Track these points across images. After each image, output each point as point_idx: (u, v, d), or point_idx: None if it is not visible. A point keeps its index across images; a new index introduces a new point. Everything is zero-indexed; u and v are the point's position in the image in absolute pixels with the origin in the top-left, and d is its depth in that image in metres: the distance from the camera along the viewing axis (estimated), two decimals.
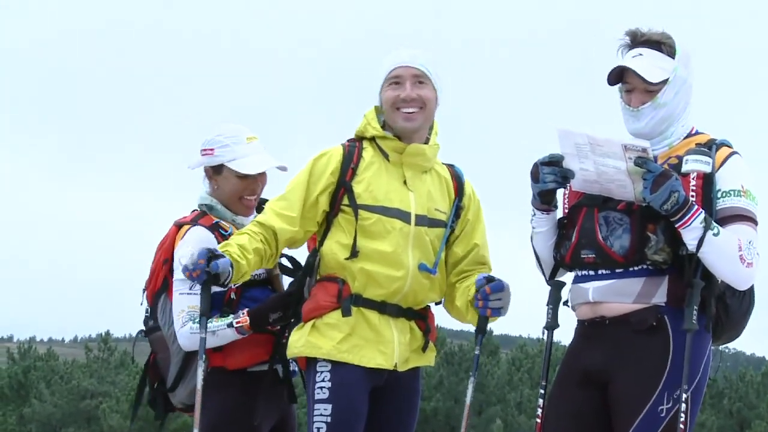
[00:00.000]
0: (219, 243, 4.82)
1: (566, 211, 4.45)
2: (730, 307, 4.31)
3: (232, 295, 4.88)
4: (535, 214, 4.44)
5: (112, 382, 47.38)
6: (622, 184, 4.18)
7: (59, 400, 45.86)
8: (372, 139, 4.68)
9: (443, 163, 4.81)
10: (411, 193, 4.61)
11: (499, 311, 4.54)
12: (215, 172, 5.04)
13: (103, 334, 52.59)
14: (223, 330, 4.77)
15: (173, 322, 4.91)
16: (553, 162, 4.29)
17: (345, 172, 4.58)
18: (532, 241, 4.50)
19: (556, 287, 4.46)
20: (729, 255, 4.12)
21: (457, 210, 4.73)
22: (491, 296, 4.51)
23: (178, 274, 4.85)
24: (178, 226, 5.00)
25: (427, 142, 4.68)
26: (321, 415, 4.47)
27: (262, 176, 5.04)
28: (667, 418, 4.17)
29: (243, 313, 4.78)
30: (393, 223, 4.54)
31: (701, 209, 4.13)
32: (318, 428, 4.47)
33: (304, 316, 4.60)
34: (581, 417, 4.32)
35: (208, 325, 4.68)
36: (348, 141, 4.71)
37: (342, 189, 4.58)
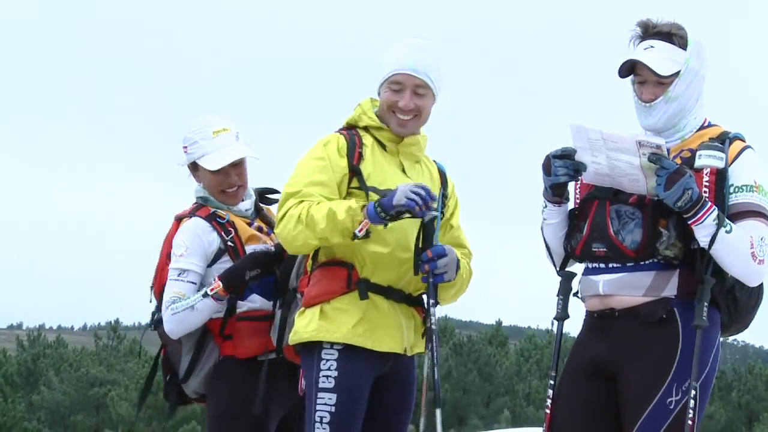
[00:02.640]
0: (216, 231, 4.91)
1: (577, 202, 4.45)
2: (739, 300, 4.29)
3: None
4: (546, 206, 4.43)
5: (121, 370, 47.53)
6: (634, 179, 4.17)
7: (68, 387, 46.01)
8: (365, 128, 4.68)
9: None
10: (410, 180, 4.62)
11: (442, 276, 4.51)
12: (194, 168, 5.08)
13: (113, 322, 52.89)
14: (200, 302, 4.83)
15: None
16: (566, 155, 4.28)
17: (352, 157, 4.57)
18: (542, 231, 4.49)
19: (566, 278, 4.45)
20: (741, 252, 4.11)
21: (443, 198, 4.77)
22: (437, 262, 4.47)
23: (171, 264, 4.94)
24: (179, 219, 5.05)
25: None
26: (325, 404, 4.46)
27: (237, 168, 5.03)
28: (675, 411, 4.16)
29: (215, 280, 4.85)
30: None
31: (714, 206, 4.12)
32: (321, 417, 4.46)
33: (308, 301, 4.57)
34: (590, 409, 4.31)
35: (185, 302, 4.81)
36: (341, 130, 4.70)
37: (351, 173, 4.57)
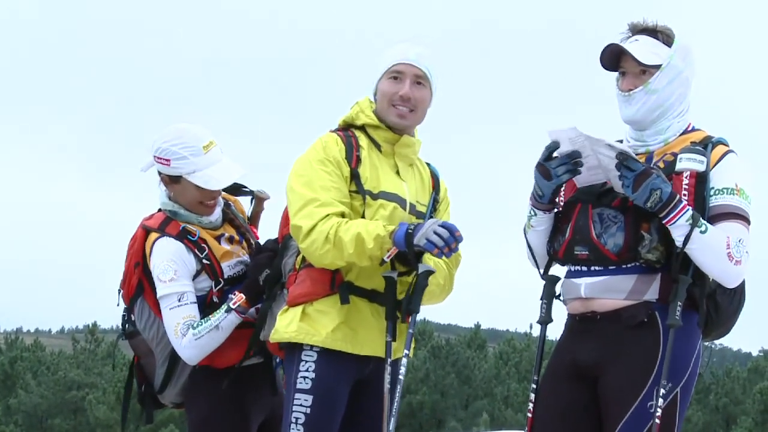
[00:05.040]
0: (189, 250, 4.82)
1: (561, 205, 4.42)
2: (720, 305, 4.31)
3: (215, 298, 4.86)
4: (535, 214, 4.40)
5: (99, 373, 47.35)
6: (616, 175, 4.16)
7: (45, 391, 45.80)
8: (362, 129, 4.65)
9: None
10: (404, 183, 4.62)
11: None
12: (172, 180, 4.90)
13: (90, 325, 52.59)
14: (224, 319, 4.74)
15: (151, 325, 4.91)
16: (553, 151, 4.23)
17: (351, 160, 4.55)
18: (525, 235, 4.48)
19: (550, 282, 4.45)
20: (717, 252, 4.12)
21: (434, 203, 4.76)
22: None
23: (161, 291, 4.80)
24: (146, 230, 4.90)
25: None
26: (301, 405, 4.45)
27: None
28: (656, 414, 4.15)
29: (235, 294, 4.77)
30: (391, 207, 4.53)
31: (689, 207, 4.12)
32: (296, 418, 4.45)
33: (291, 300, 4.55)
34: (571, 412, 4.31)
35: (206, 323, 4.73)
36: (337, 130, 4.67)
37: (350, 176, 4.53)
